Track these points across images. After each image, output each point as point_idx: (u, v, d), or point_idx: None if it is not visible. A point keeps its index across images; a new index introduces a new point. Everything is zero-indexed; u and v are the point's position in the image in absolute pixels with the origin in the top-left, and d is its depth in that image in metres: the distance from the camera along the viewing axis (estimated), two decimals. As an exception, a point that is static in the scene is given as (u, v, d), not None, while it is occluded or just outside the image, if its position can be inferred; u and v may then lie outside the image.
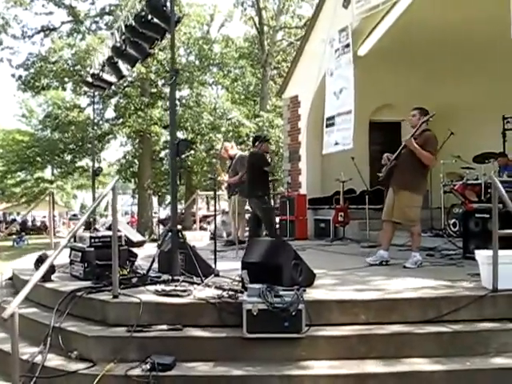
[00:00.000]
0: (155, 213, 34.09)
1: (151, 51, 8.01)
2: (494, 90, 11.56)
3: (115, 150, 37.19)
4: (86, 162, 31.04)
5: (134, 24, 7.53)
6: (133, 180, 33.01)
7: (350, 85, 9.90)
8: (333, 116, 10.49)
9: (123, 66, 9.23)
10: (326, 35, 11.07)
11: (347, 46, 10.26)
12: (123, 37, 8.24)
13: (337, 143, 10.41)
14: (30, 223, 43.10)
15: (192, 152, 24.48)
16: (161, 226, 29.72)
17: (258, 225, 10.42)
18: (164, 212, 43.33)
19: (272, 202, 11.17)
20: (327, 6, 12.26)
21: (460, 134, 11.35)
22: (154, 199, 36.00)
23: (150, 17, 7.09)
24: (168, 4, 6.60)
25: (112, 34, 9.11)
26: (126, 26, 7.86)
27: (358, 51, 11.26)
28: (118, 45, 8.50)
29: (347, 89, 10.00)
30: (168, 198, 44.92)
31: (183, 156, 6.57)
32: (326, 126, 10.83)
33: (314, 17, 13.60)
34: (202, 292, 5.52)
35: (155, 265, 6.63)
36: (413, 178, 7.29)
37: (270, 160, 10.60)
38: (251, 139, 12.52)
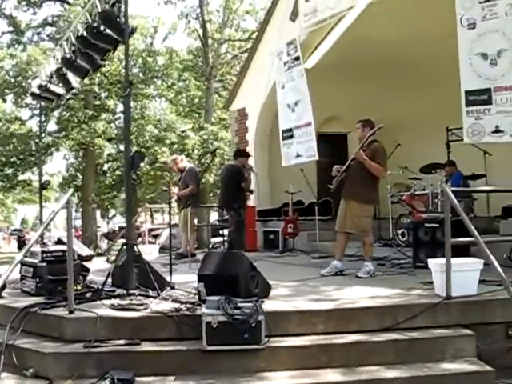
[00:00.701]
0: (98, 226, 33.59)
1: (102, 63, 7.91)
2: (438, 102, 11.84)
3: (58, 162, 36.64)
4: (28, 175, 30.34)
5: (85, 35, 7.43)
6: (76, 194, 32.45)
7: (305, 97, 10.01)
8: (290, 128, 10.57)
9: (73, 78, 9.10)
10: (274, 48, 11.14)
11: (297, 58, 10.33)
12: (73, 48, 8.12)
13: (299, 155, 10.51)
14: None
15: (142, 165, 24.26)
16: (105, 240, 29.49)
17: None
18: (107, 226, 42.82)
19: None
20: (275, 18, 12.37)
21: (406, 145, 11.62)
22: (98, 212, 35.49)
23: (102, 27, 7.00)
24: (121, 15, 6.55)
25: (61, 44, 8.96)
26: (77, 36, 7.75)
27: (305, 64, 11.35)
28: (68, 56, 8.35)
29: (303, 101, 10.10)
30: (112, 212, 44.56)
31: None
32: (283, 139, 10.90)
33: (261, 29, 13.69)
34: (158, 305, 5.45)
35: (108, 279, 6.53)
36: (363, 189, 7.40)
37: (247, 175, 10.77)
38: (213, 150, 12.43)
